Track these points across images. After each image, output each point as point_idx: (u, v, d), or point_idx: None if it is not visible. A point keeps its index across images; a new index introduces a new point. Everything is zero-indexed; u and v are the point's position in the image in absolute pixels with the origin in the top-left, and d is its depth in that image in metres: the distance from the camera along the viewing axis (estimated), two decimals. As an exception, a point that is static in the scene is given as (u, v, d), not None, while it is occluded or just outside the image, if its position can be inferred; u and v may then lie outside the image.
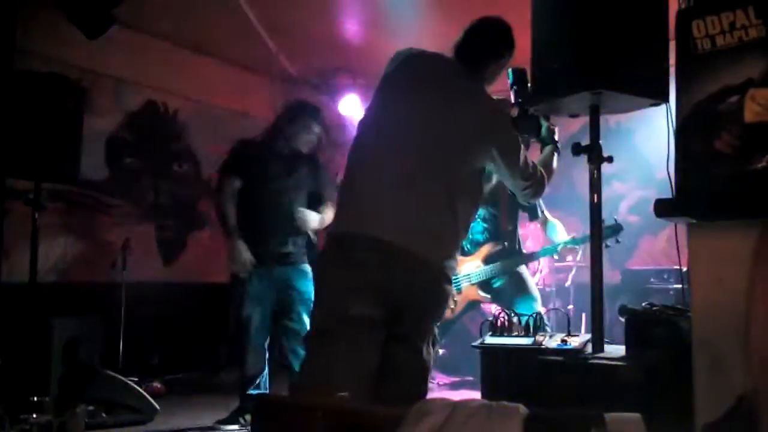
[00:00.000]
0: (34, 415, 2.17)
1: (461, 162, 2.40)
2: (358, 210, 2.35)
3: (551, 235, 4.09)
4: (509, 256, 3.98)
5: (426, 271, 2.30)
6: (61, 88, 4.18)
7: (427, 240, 2.29)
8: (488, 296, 4.00)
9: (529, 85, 2.70)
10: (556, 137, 2.91)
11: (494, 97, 2.65)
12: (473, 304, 4.08)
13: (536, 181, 2.61)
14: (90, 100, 4.86)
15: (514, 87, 2.85)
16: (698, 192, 2.18)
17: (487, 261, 3.98)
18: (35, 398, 2.23)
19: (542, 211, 4.09)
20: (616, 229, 3.64)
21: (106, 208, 5.78)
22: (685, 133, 2.21)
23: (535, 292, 3.97)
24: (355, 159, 2.47)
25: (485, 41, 2.60)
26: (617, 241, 3.65)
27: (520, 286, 3.93)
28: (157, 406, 4.10)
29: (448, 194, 2.34)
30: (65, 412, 2.22)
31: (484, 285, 3.99)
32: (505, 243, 3.99)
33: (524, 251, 4.20)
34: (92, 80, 5.37)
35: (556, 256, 5.48)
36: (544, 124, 2.90)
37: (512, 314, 2.68)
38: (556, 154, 2.87)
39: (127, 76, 5.83)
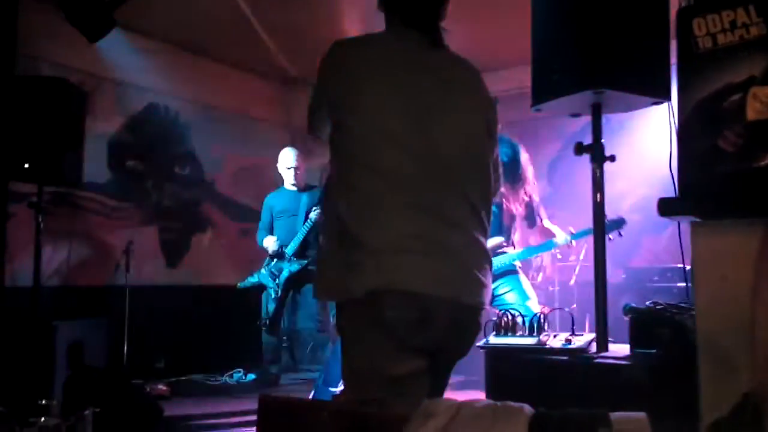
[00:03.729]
0: (42, 419, 2.16)
1: (484, 163, 2.00)
2: (380, 259, 1.83)
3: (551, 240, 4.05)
4: (505, 254, 3.98)
5: (467, 315, 1.95)
6: (63, 91, 4.20)
7: (468, 281, 1.90)
8: None
9: None
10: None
11: None
12: None
13: (499, 176, 2.15)
14: (92, 104, 4.87)
15: None
16: (701, 190, 2.17)
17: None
18: (42, 401, 2.23)
19: (540, 219, 4.08)
20: (619, 222, 3.62)
21: (109, 211, 5.79)
22: (687, 132, 2.21)
23: (531, 292, 3.97)
24: (357, 190, 1.88)
25: None
26: (620, 235, 3.63)
27: (515, 287, 3.94)
28: (162, 409, 4.11)
29: (474, 212, 1.92)
30: (72, 416, 2.22)
31: None
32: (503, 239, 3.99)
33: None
34: (94, 83, 5.39)
35: (559, 255, 5.46)
36: None
37: (516, 314, 2.68)
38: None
39: (129, 79, 5.84)
